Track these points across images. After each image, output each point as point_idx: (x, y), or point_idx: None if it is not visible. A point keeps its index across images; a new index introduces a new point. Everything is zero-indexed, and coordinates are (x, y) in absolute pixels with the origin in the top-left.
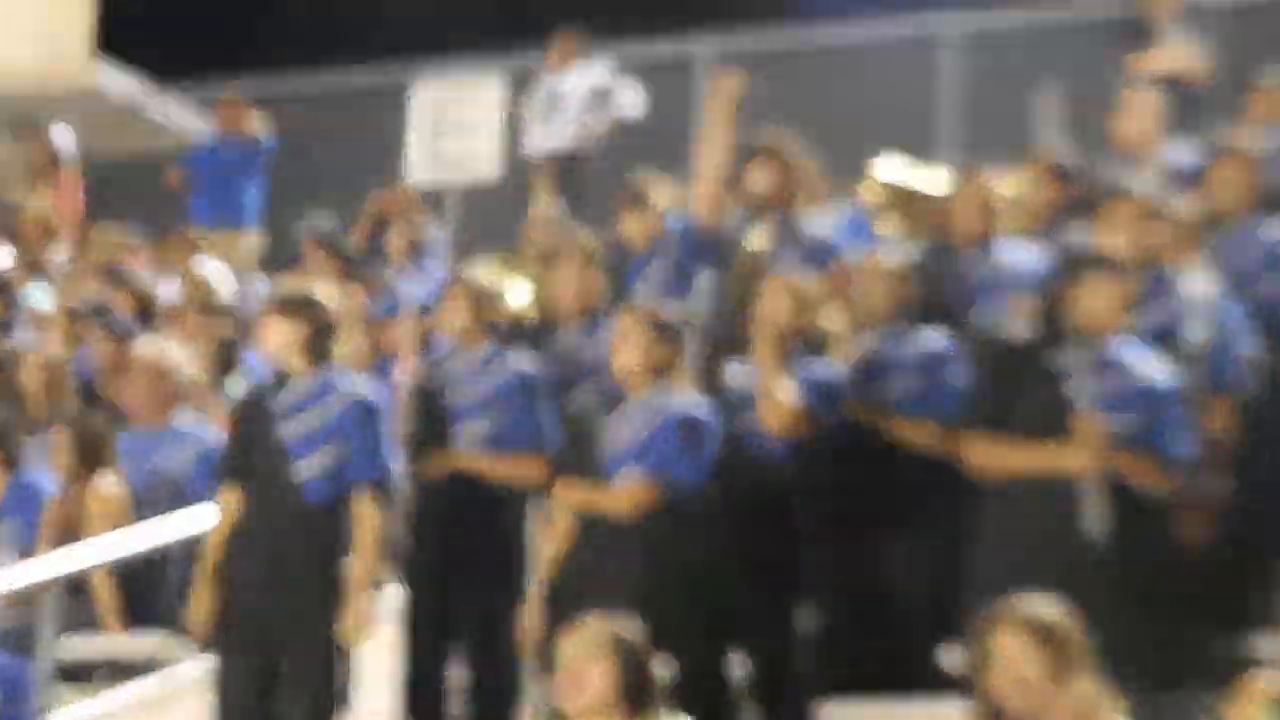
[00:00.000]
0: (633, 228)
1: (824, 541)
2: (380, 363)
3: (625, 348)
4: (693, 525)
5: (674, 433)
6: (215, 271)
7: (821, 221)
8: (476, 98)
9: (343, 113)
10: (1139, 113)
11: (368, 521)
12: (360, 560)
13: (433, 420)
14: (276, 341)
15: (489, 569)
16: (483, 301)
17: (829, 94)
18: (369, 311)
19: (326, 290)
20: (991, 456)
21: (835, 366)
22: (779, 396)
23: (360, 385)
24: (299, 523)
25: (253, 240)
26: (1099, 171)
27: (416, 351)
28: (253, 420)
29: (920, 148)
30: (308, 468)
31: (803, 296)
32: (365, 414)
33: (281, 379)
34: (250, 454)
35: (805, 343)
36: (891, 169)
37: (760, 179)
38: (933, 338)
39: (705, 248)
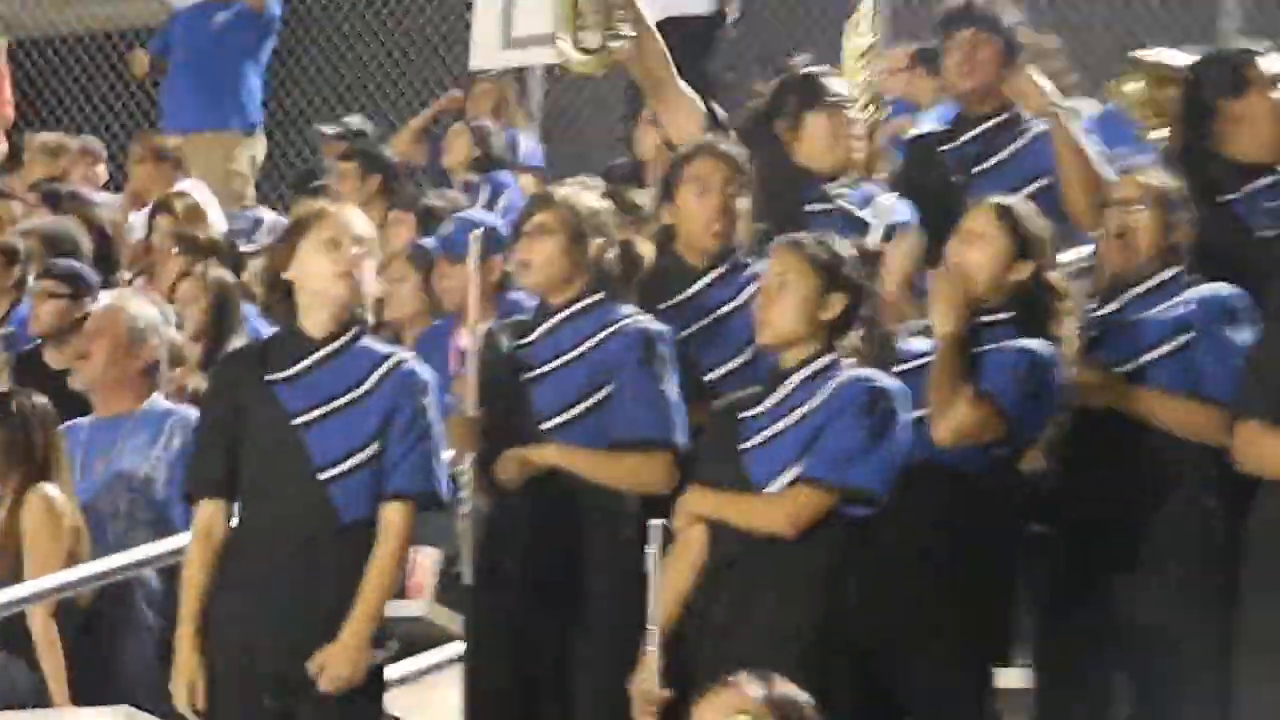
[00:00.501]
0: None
1: (1045, 576)
2: (438, 322)
3: (779, 300)
4: (876, 551)
5: (852, 419)
6: (203, 194)
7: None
8: None
9: None
10: None
11: (393, 541)
12: (370, 588)
13: (510, 403)
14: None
15: (587, 613)
16: (579, 232)
17: None
18: (421, 250)
19: (360, 219)
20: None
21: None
22: (954, 406)
23: (405, 356)
24: (328, 550)
25: (254, 147)
26: None
27: (488, 305)
28: (247, 405)
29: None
30: (337, 474)
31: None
32: (410, 395)
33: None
34: (245, 454)
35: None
36: (1158, 53)
37: (964, 63)
38: (1210, 291)
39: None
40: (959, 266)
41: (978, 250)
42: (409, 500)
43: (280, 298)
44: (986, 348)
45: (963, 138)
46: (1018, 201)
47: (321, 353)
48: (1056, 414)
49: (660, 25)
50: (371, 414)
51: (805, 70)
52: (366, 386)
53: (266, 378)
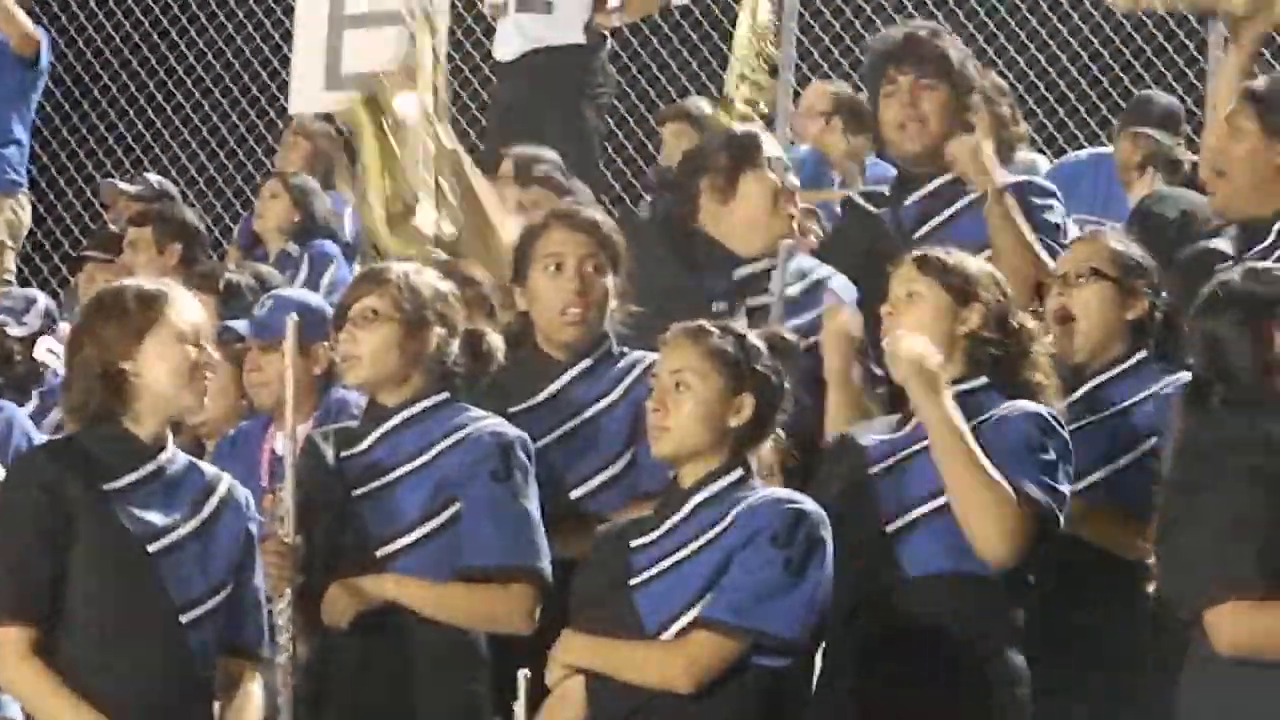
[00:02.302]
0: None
1: None
2: (245, 424)
3: (676, 403)
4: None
5: (765, 550)
6: None
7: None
8: None
9: None
10: None
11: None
12: None
13: (336, 526)
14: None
15: None
16: (416, 319)
17: None
18: (230, 334)
19: (153, 291)
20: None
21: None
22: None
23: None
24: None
25: (13, 210)
26: None
27: (310, 404)
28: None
29: None
30: (194, 620)
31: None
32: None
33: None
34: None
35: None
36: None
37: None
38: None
39: None
40: (897, 340)
41: (913, 314)
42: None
43: (109, 393)
44: (982, 419)
45: (907, 200)
46: (938, 248)
47: (155, 464)
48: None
49: (533, 55)
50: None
51: (744, 130)
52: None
53: (104, 486)
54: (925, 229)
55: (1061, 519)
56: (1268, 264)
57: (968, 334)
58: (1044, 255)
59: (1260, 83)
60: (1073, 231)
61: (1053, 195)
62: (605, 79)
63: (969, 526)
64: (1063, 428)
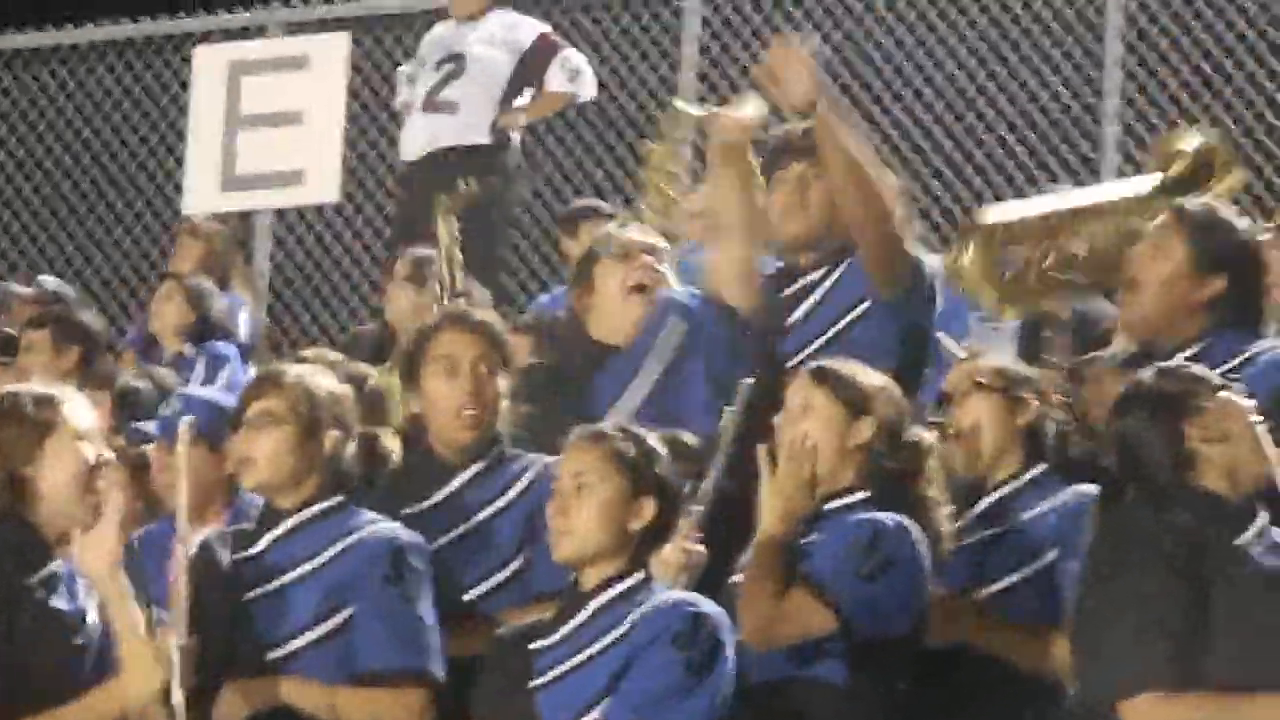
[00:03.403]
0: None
1: None
2: (151, 528)
3: (577, 506)
4: None
5: (667, 652)
6: None
7: None
8: (306, 66)
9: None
10: None
11: None
12: None
13: (230, 628)
14: None
15: None
16: (312, 422)
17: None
18: (138, 435)
19: (49, 395)
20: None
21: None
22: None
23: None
24: None
25: None
26: None
27: (219, 505)
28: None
29: None
30: None
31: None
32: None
33: None
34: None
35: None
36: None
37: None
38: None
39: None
40: (793, 445)
41: (807, 423)
42: None
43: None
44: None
45: (785, 291)
46: (835, 360)
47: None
48: (921, 599)
49: (438, 154)
50: None
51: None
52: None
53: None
54: (799, 313)
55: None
56: (1179, 363)
57: (860, 446)
58: (876, 174)
59: (1195, 206)
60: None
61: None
62: (512, 179)
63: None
64: (912, 543)
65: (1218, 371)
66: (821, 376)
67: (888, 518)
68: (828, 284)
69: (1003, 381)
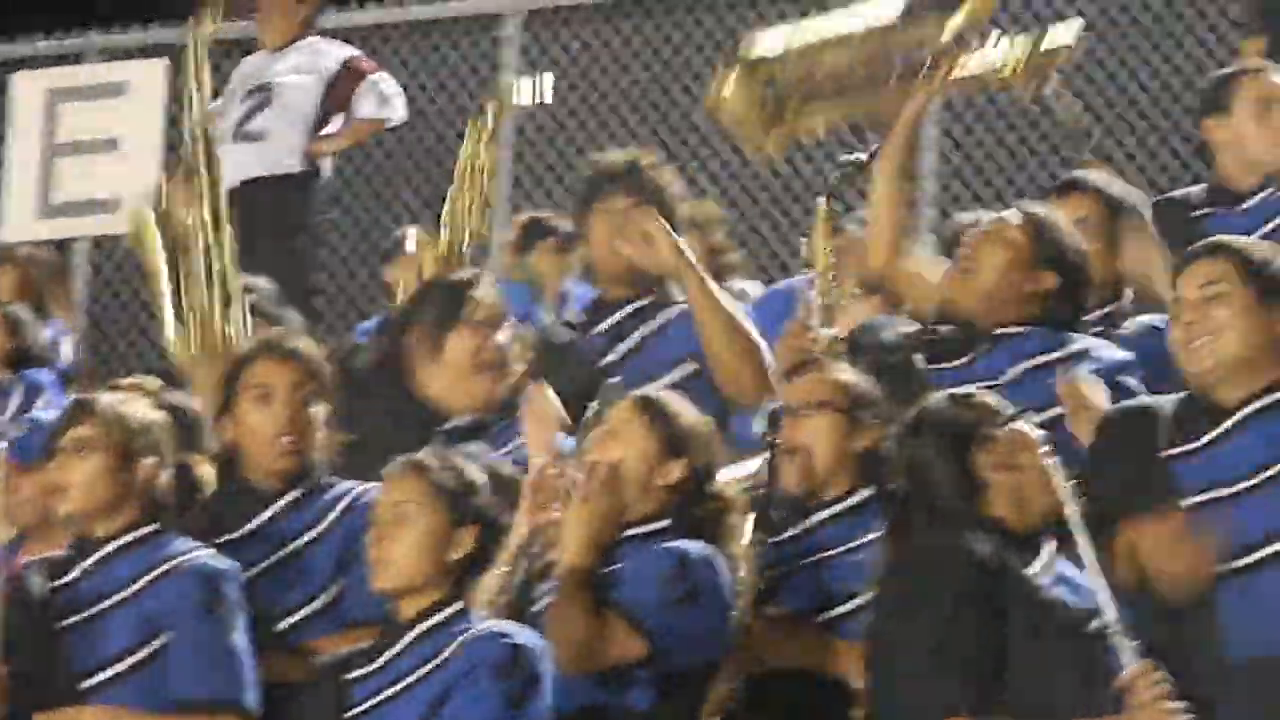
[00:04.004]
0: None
1: None
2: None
3: (396, 535)
4: None
5: (486, 682)
6: None
7: None
8: (124, 93)
9: None
10: None
11: None
12: None
13: (43, 656)
14: None
15: None
16: (127, 450)
17: None
18: None
19: None
20: None
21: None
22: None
23: None
24: None
25: None
26: None
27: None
28: None
29: None
30: None
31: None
32: None
33: None
34: None
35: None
36: None
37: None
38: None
39: None
40: (603, 471)
41: (619, 448)
42: None
43: None
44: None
45: (600, 325)
46: (663, 394)
47: None
48: (728, 627)
49: (250, 183)
50: None
51: (453, 281)
52: None
53: None
54: (616, 354)
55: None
56: (972, 389)
57: (667, 486)
58: (749, 326)
59: (1040, 209)
60: None
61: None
62: (322, 206)
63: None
64: (719, 571)
65: (1031, 362)
66: (645, 406)
67: (694, 546)
68: (645, 330)
69: (847, 401)
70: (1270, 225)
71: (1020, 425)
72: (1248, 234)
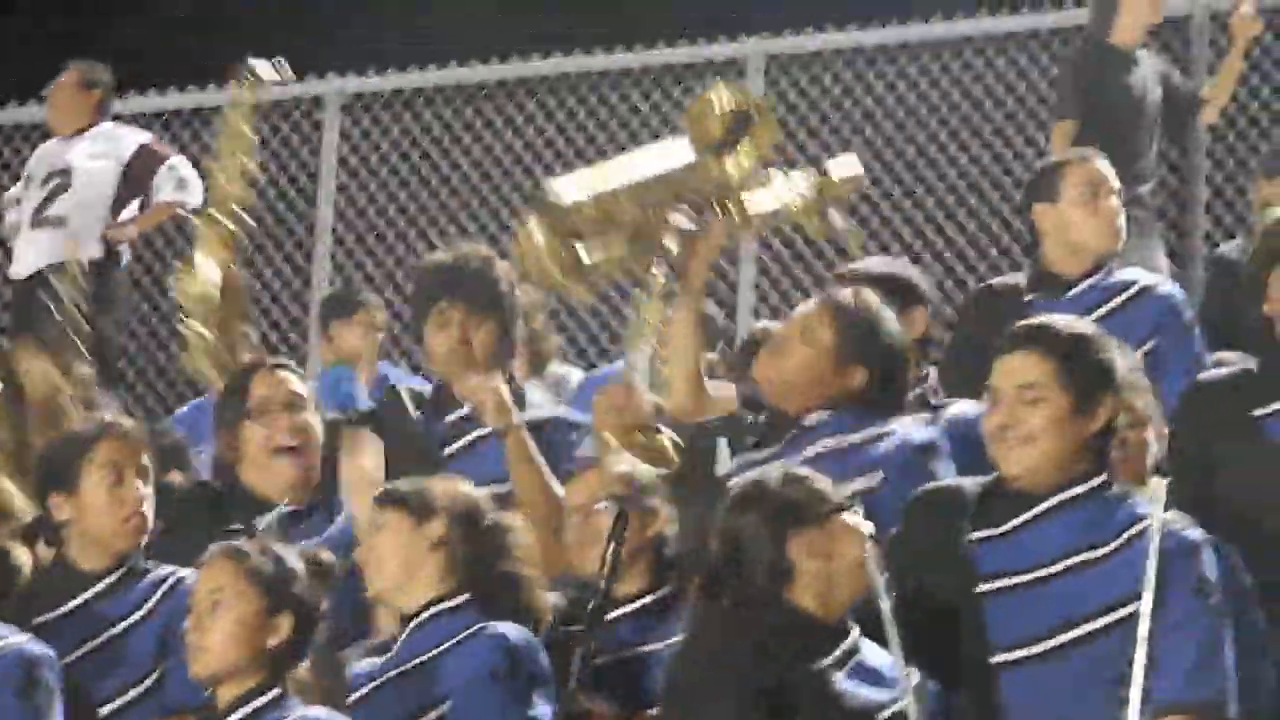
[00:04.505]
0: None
1: None
2: None
3: (213, 622)
4: None
5: None
6: None
7: None
8: None
9: None
10: None
11: None
12: None
13: None
14: None
15: None
16: None
17: None
18: None
19: None
20: None
21: None
22: None
23: None
24: None
25: None
26: None
27: None
28: None
29: None
30: None
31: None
32: None
33: None
34: None
35: None
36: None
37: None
38: None
39: None
40: (368, 565)
41: (383, 542)
42: None
43: None
44: (444, 647)
45: (447, 418)
46: (406, 484)
47: None
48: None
49: (50, 269)
50: None
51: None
52: None
53: None
54: (453, 449)
55: None
56: (805, 471)
57: (434, 545)
58: (560, 491)
59: (846, 298)
60: None
61: (574, 428)
62: (124, 292)
63: None
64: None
65: (831, 443)
66: (387, 497)
67: (512, 631)
68: (478, 433)
69: (626, 490)
70: (1096, 313)
71: (848, 515)
72: None
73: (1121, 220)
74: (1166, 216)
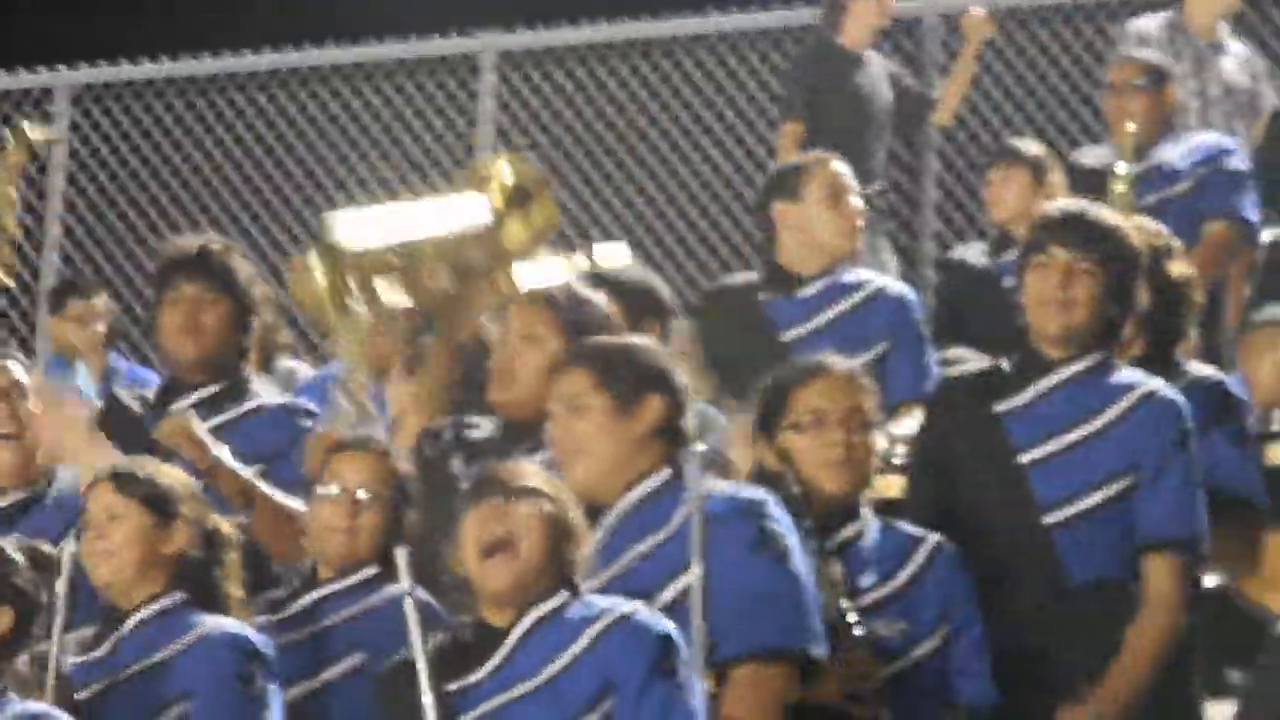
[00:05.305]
0: None
1: None
2: None
3: None
4: None
5: None
6: None
7: None
8: None
9: None
10: None
11: None
12: None
13: None
14: None
15: None
16: None
17: None
18: None
19: None
20: None
21: None
22: None
23: None
24: None
25: None
26: None
27: None
28: None
29: None
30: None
31: None
32: None
33: None
34: None
35: None
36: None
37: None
38: None
39: None
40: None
41: (114, 536)
42: None
43: None
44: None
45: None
46: (137, 463)
47: None
48: None
49: None
50: None
51: None
52: None
53: None
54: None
55: None
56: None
57: (175, 554)
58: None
59: (563, 293)
60: None
61: (309, 415)
62: None
63: None
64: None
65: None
66: (124, 484)
67: (240, 630)
68: (220, 419)
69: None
70: (831, 312)
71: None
72: (806, 320)
73: (862, 222)
74: (898, 217)
